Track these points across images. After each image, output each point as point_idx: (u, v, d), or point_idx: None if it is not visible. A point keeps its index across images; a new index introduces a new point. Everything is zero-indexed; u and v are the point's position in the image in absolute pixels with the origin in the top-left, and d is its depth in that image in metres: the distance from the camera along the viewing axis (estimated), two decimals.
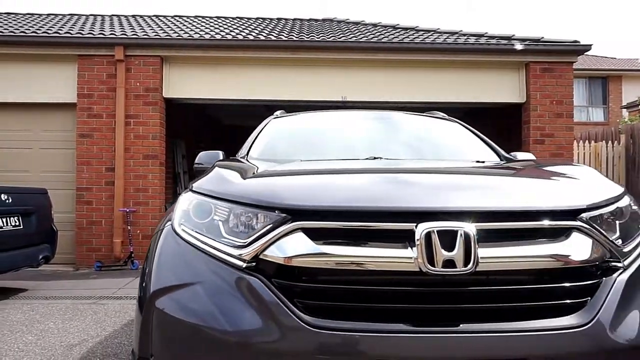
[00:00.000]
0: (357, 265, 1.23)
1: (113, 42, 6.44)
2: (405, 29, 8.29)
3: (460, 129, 3.08)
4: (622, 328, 1.24)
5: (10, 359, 2.89)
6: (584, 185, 1.59)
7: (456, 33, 7.63)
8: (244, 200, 1.39)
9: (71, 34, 6.65)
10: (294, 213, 1.30)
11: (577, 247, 1.30)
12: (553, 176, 1.76)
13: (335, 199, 1.34)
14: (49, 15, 9.37)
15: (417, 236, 1.21)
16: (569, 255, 1.28)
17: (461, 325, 1.19)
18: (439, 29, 8.01)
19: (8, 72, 6.59)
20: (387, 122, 3.06)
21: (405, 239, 1.23)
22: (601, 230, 1.37)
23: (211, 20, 9.18)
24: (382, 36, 7.30)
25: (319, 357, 1.16)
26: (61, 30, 6.94)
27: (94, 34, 6.63)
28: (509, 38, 7.07)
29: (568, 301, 1.25)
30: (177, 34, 6.86)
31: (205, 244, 1.38)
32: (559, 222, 1.32)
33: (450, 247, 1.20)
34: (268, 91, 6.75)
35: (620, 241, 1.43)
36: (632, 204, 1.61)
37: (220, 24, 8.48)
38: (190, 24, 8.31)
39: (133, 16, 9.40)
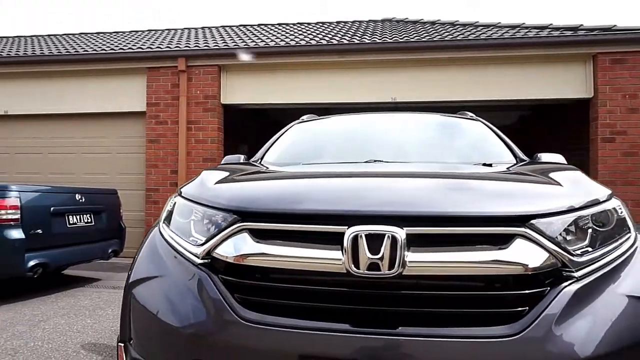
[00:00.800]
0: (292, 264, 1.32)
1: (176, 54, 6.98)
2: (464, 25, 8.03)
3: (482, 129, 2.99)
4: (558, 342, 1.19)
5: (67, 338, 3.31)
6: (553, 190, 1.53)
7: (517, 26, 7.24)
8: (208, 203, 1.53)
9: (142, 49, 7.32)
10: (243, 215, 1.41)
11: (519, 255, 1.27)
12: (528, 181, 1.70)
13: (277, 202, 1.43)
14: (130, 32, 10.34)
15: (345, 239, 1.27)
16: (507, 263, 1.26)
17: (387, 328, 1.22)
18: (499, 23, 7.65)
19: (90, 85, 7.41)
20: (406, 124, 3.07)
21: (338, 241, 1.29)
22: (552, 238, 1.32)
23: (272, 28, 9.55)
24: (437, 34, 7.14)
25: (248, 348, 1.26)
26: (134, 46, 7.66)
27: (161, 48, 7.24)
28: (575, 29, 6.58)
29: (501, 310, 1.23)
30: (235, 44, 7.26)
31: (176, 242, 1.54)
32: (497, 228, 1.30)
33: (377, 250, 1.25)
34: (320, 94, 6.91)
35: (589, 249, 1.37)
36: (618, 210, 1.52)
37: (281, 31, 8.81)
38: (252, 32, 8.71)
39: (202, 28, 10.07)
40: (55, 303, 4.40)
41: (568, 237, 1.36)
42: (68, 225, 4.87)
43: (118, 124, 7.40)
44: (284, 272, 1.35)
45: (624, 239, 1.47)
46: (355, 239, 1.26)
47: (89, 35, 10.40)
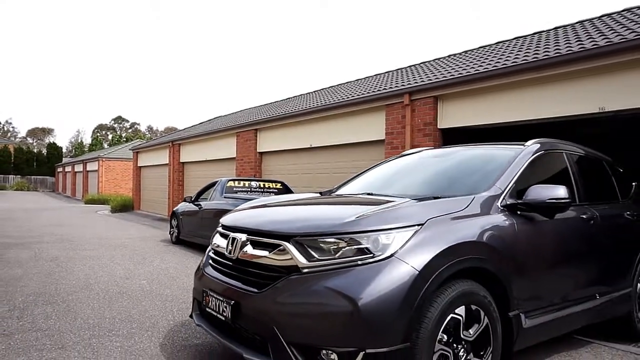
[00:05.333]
0: (218, 248, 2.96)
1: (403, 91, 8.58)
2: None
3: (498, 160, 3.39)
4: (268, 301, 2.40)
5: None
6: (330, 217, 2.57)
7: None
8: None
9: (380, 90, 9.30)
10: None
11: (277, 256, 2.48)
12: (331, 209, 2.74)
13: (225, 220, 3.07)
14: (366, 78, 12.74)
15: (228, 238, 2.81)
16: (271, 259, 2.51)
17: (230, 280, 2.71)
18: None
19: (339, 124, 9.98)
20: (431, 162, 3.80)
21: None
22: (299, 248, 2.42)
23: (474, 53, 9.89)
24: None
25: (199, 284, 2.99)
26: (374, 89, 9.78)
27: (392, 88, 9.03)
28: None
29: (265, 280, 2.49)
30: (449, 73, 8.21)
31: None
32: (272, 240, 2.53)
33: (233, 244, 2.75)
34: (527, 111, 6.99)
35: (327, 258, 2.37)
36: (382, 238, 2.37)
37: (484, 54, 8.99)
38: (462, 60, 9.43)
39: (417, 64, 11.40)
40: None
41: (314, 251, 2.40)
42: None
43: (367, 150, 9.64)
44: (220, 252, 2.97)
45: (365, 255, 2.33)
46: (229, 238, 2.79)
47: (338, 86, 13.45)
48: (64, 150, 69.56)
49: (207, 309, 2.85)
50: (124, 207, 22.65)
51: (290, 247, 2.44)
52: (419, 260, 2.32)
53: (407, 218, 2.48)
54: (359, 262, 2.31)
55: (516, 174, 3.17)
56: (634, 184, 4.79)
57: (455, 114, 8.02)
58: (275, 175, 12.40)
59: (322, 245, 2.40)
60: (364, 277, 2.25)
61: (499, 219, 2.83)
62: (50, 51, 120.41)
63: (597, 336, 4.19)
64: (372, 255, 2.32)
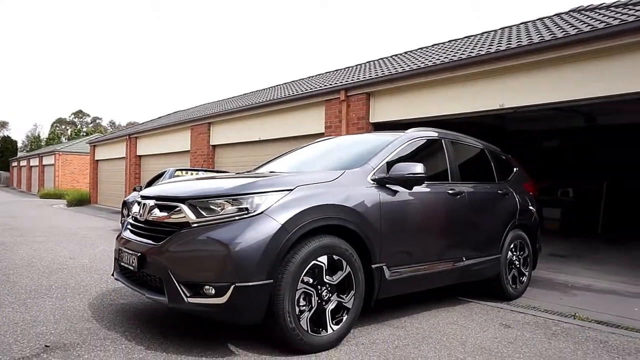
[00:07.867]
0: (134, 213, 3.51)
1: (340, 88, 9.26)
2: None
3: (379, 142, 4.08)
4: (165, 251, 2.97)
5: None
6: (219, 186, 3.16)
7: None
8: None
9: (321, 87, 9.97)
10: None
11: (175, 215, 3.06)
12: (220, 182, 3.37)
13: (142, 192, 3.62)
14: (309, 77, 13.36)
15: (141, 203, 3.38)
16: (168, 218, 3.08)
17: (139, 238, 3.27)
18: None
19: (284, 118, 10.60)
20: (328, 147, 4.49)
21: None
22: (193, 209, 3.01)
23: (413, 54, 10.80)
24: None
25: (118, 243, 3.54)
26: (315, 86, 10.43)
27: (332, 85, 9.71)
28: None
29: (164, 235, 3.07)
30: (382, 72, 8.95)
31: None
32: (170, 203, 3.12)
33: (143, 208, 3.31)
34: (443, 107, 7.80)
35: (210, 217, 2.96)
36: (251, 203, 2.97)
37: (422, 55, 9.84)
38: (396, 60, 10.28)
39: (360, 64, 12.28)
40: None
41: (204, 210, 3.00)
42: None
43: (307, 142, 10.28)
44: (135, 217, 3.53)
45: (243, 212, 2.93)
46: (141, 204, 3.35)
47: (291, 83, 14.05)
48: (19, 144, 67.11)
49: (121, 263, 3.40)
50: (81, 201, 22.51)
51: (184, 207, 3.02)
52: (283, 216, 2.94)
53: (280, 185, 3.11)
54: (237, 218, 2.91)
55: (388, 155, 3.85)
56: (515, 169, 5.61)
57: (385, 110, 8.77)
58: (227, 166, 12.87)
59: (211, 205, 3.00)
60: (238, 229, 2.86)
61: (364, 189, 3.50)
62: (5, 42, 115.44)
63: (476, 297, 4.96)
64: (247, 212, 2.93)
